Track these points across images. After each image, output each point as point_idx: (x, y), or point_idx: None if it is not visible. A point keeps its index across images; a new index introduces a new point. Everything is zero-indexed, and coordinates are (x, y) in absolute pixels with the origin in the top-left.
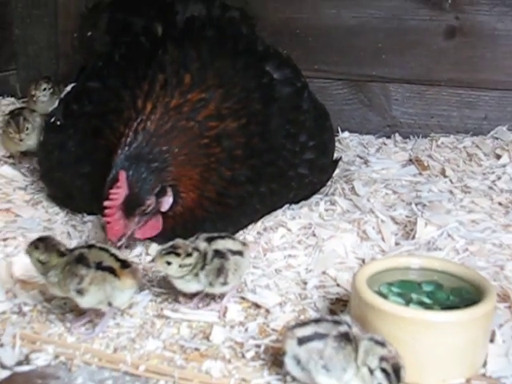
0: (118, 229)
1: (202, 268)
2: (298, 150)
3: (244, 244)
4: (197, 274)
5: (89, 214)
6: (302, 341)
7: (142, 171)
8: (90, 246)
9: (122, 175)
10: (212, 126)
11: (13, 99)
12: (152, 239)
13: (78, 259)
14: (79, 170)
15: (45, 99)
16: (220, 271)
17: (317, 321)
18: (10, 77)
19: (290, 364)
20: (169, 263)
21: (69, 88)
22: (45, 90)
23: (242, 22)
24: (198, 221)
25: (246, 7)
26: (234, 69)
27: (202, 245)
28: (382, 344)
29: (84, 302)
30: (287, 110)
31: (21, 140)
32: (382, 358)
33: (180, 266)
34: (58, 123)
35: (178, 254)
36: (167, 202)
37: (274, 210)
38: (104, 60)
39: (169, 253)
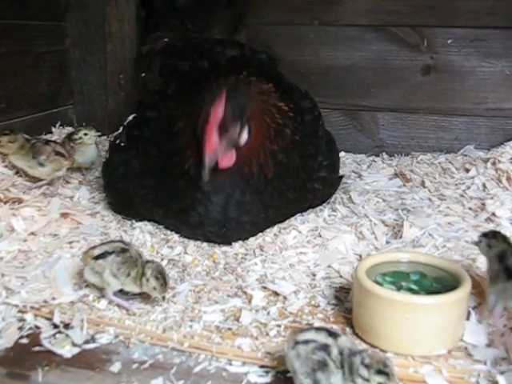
0: (213, 145)
1: None
2: (316, 168)
3: None
4: None
5: (138, 220)
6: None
7: (233, 103)
8: None
9: (223, 94)
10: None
11: (71, 128)
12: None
13: None
14: (144, 182)
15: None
16: None
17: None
18: (68, 110)
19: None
20: None
21: (130, 117)
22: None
23: (269, 62)
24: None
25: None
26: None
27: None
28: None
29: None
30: (309, 134)
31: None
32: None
33: None
34: (122, 144)
35: None
36: (244, 137)
37: (291, 216)
38: (159, 95)
39: None
